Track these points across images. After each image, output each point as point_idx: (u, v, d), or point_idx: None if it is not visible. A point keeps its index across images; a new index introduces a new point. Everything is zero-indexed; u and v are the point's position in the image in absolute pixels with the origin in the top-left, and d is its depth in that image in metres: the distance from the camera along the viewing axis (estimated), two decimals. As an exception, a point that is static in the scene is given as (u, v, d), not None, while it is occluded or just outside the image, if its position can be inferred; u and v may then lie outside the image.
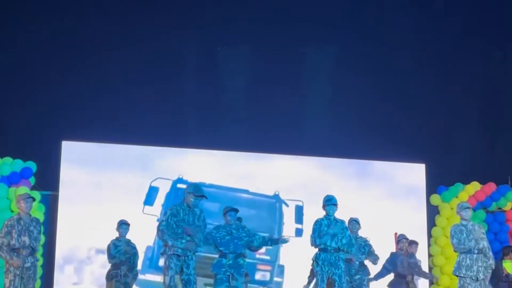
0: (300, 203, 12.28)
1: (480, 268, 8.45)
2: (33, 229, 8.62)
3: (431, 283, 12.85)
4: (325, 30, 13.80)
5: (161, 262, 9.73)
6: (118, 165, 12.20)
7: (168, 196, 11.92)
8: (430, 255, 13.01)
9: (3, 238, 8.41)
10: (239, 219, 9.31)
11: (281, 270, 12.13)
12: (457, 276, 8.61)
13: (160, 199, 11.98)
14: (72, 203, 11.81)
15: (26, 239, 8.54)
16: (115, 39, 13.13)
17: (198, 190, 8.07)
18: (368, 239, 10.13)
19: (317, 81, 13.87)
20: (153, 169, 12.25)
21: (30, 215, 8.75)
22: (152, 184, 11.93)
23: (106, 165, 12.17)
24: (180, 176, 11.81)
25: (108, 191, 12.05)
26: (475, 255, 8.47)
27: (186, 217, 7.99)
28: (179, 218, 7.97)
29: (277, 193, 12.19)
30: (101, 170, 12.11)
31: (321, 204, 8.81)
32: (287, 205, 12.18)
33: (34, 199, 8.83)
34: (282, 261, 12.22)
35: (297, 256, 11.91)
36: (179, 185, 11.76)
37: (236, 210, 8.94)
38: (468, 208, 8.73)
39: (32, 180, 11.78)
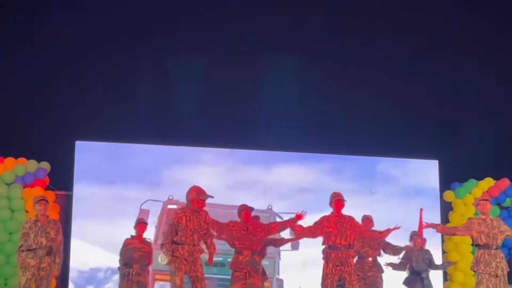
0: (293, 216, 12.17)
1: (498, 264, 8.32)
2: (50, 230, 8.78)
3: (444, 273, 12.79)
4: (330, 21, 13.73)
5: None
6: (131, 164, 12.22)
7: (160, 218, 11.63)
8: (444, 252, 12.97)
9: (21, 241, 8.70)
10: (257, 217, 9.34)
11: (280, 284, 11.98)
12: (474, 271, 8.46)
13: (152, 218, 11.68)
14: (86, 202, 11.87)
15: (43, 240, 8.72)
16: (128, 40, 13.18)
17: (201, 194, 7.96)
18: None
19: (325, 76, 13.79)
20: (167, 169, 12.27)
21: (48, 217, 8.90)
22: (143, 207, 11.74)
23: (119, 165, 12.20)
24: (170, 197, 11.64)
25: (121, 191, 12.07)
26: (493, 251, 8.35)
27: (190, 223, 7.89)
28: (181, 227, 7.87)
29: (270, 207, 12.06)
30: (115, 170, 12.15)
31: (328, 201, 8.75)
32: (281, 218, 12.06)
33: (47, 201, 8.94)
34: (280, 275, 12.04)
35: (295, 270, 11.92)
36: (169, 206, 11.53)
37: (251, 209, 8.98)
38: (485, 200, 8.62)
39: (46, 180, 11.87)
